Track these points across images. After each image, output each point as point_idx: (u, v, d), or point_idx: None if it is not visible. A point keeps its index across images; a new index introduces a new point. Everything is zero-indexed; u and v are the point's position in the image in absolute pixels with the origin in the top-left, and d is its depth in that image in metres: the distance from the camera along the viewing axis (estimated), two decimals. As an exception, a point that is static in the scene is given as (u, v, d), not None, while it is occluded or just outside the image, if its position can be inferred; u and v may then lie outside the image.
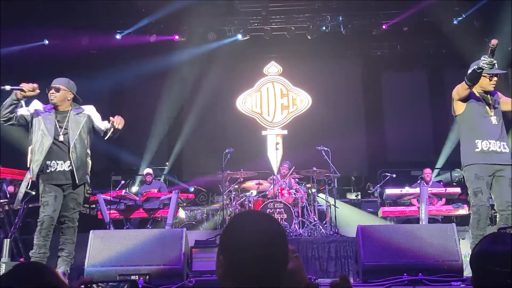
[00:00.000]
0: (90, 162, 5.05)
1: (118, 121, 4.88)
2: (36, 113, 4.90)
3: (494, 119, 4.86)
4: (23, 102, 4.85)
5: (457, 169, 10.06)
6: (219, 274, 1.47)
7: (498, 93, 5.06)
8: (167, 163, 10.87)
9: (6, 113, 4.78)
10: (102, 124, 5.10)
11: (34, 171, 4.77)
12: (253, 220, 1.48)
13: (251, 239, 1.42)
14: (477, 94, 4.92)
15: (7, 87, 4.67)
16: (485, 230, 4.71)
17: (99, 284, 2.18)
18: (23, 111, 4.87)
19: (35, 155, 4.80)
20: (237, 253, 1.42)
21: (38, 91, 4.82)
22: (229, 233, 1.48)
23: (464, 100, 4.91)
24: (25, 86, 4.71)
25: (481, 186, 4.75)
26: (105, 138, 5.07)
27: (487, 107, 4.88)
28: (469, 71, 4.66)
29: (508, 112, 5.02)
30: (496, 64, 4.68)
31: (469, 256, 1.98)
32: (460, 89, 4.84)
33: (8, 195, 7.82)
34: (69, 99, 5.01)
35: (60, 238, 4.88)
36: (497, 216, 4.82)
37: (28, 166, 4.88)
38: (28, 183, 4.90)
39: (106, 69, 11.07)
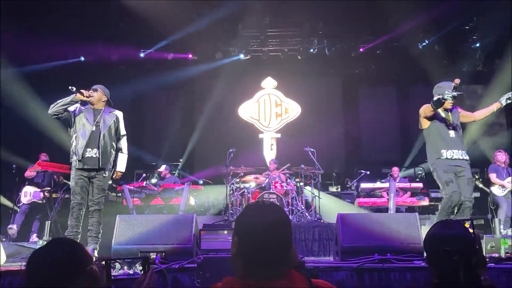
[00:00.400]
0: (113, 153, 5.03)
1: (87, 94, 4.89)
2: (78, 109, 5.00)
3: (453, 133, 4.86)
4: (78, 104, 4.96)
5: (420, 166, 10.07)
6: (232, 252, 1.46)
7: (458, 108, 5.06)
8: (180, 160, 10.83)
9: (61, 109, 4.88)
10: (122, 131, 5.15)
11: (79, 152, 4.81)
12: (262, 209, 1.48)
13: (260, 223, 1.40)
14: (440, 112, 4.91)
15: (74, 88, 4.78)
16: (449, 216, 4.72)
17: (117, 260, 2.17)
18: (70, 108, 4.95)
19: (79, 141, 4.85)
20: (248, 235, 1.41)
21: (91, 99, 4.93)
22: (243, 219, 1.47)
23: (429, 118, 4.93)
24: (84, 92, 4.86)
25: (451, 177, 4.77)
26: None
27: (448, 123, 4.89)
28: (435, 98, 4.65)
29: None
30: (453, 85, 4.72)
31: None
32: (427, 110, 4.85)
33: (52, 184, 7.85)
34: (103, 100, 5.10)
35: (89, 220, 4.89)
36: (456, 209, 4.82)
37: (73, 151, 4.92)
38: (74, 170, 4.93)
39: (131, 81, 11.07)
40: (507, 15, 8.58)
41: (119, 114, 5.18)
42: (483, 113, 5.01)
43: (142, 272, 1.78)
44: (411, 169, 10.35)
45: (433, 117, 4.90)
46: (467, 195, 4.74)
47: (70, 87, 4.79)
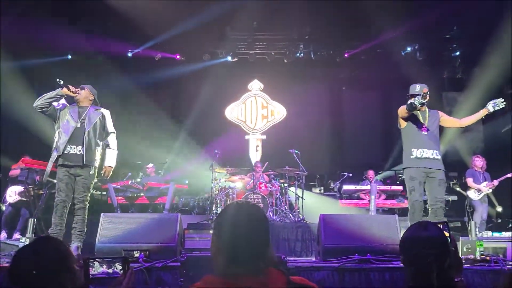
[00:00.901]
0: (99, 151, 4.95)
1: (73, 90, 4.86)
2: (63, 105, 4.94)
3: (426, 133, 4.93)
4: (63, 99, 4.90)
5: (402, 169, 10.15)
6: (212, 251, 1.47)
7: (440, 112, 5.13)
8: (167, 160, 10.75)
9: (46, 103, 4.80)
10: (109, 128, 5.09)
11: (61, 148, 4.73)
12: (241, 208, 1.49)
13: (238, 222, 1.42)
14: (418, 113, 5.00)
15: (61, 81, 4.74)
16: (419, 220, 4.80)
17: (96, 259, 2.12)
18: (55, 103, 4.88)
19: (62, 136, 4.78)
20: (226, 233, 1.42)
21: (77, 95, 4.88)
22: (222, 217, 1.48)
23: (406, 119, 5.02)
24: (71, 87, 4.81)
25: (414, 186, 4.85)
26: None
27: (421, 123, 4.96)
28: (408, 102, 4.74)
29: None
30: (417, 87, 4.88)
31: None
32: (402, 111, 4.93)
33: (36, 182, 7.73)
34: (90, 99, 5.04)
35: (73, 217, 4.83)
36: (429, 210, 4.91)
37: (54, 146, 4.84)
38: (51, 165, 4.84)
39: (118, 80, 10.96)
40: (486, 25, 8.75)
41: (106, 112, 5.12)
42: (470, 120, 5.03)
43: (122, 272, 1.77)
44: (392, 172, 10.45)
45: (409, 118, 4.99)
46: (438, 196, 4.81)
47: (57, 80, 4.73)
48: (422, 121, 4.98)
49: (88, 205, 4.88)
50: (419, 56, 10.55)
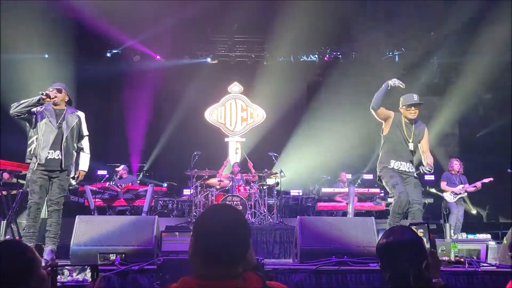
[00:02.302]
0: (75, 154, 4.89)
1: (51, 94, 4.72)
2: (41, 110, 4.79)
3: (409, 146, 4.93)
4: (44, 112, 4.79)
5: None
6: (189, 253, 1.46)
7: (426, 129, 5.09)
8: (145, 162, 10.63)
9: (24, 110, 4.66)
10: (84, 132, 5.01)
11: (42, 156, 4.63)
12: (220, 210, 1.48)
13: (215, 224, 1.41)
14: (403, 123, 4.96)
15: (44, 92, 4.59)
16: (399, 216, 4.80)
17: (65, 267, 2.09)
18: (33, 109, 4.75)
19: (42, 143, 4.67)
20: (203, 235, 1.41)
21: (55, 100, 4.77)
22: (200, 219, 1.47)
23: (389, 125, 5.00)
24: (51, 94, 4.68)
25: (397, 180, 4.85)
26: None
27: (406, 134, 4.94)
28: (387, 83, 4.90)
29: None
30: (415, 97, 4.85)
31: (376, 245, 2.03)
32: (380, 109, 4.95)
33: (1, 182, 7.47)
34: (66, 100, 4.94)
35: (48, 220, 4.72)
36: (408, 212, 4.92)
37: (32, 153, 4.72)
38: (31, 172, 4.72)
39: (96, 80, 10.82)
40: (463, 33, 8.96)
41: (81, 114, 5.02)
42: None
43: (91, 280, 1.72)
44: (370, 175, 10.56)
45: (394, 129, 4.97)
46: (415, 198, 4.81)
47: (40, 92, 4.59)
48: (406, 135, 4.95)
49: (62, 207, 4.78)
50: (397, 61, 10.71)
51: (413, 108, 4.91)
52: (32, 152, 4.73)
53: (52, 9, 8.86)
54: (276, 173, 8.57)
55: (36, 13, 8.75)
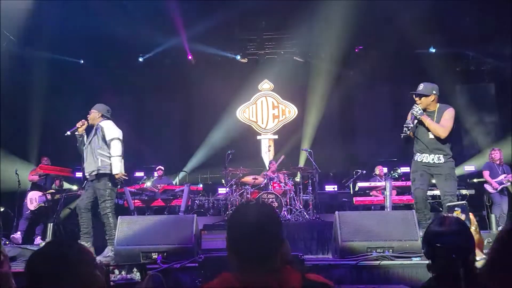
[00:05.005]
0: (103, 160, 5.11)
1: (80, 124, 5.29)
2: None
3: (431, 134, 4.78)
4: (85, 136, 5.33)
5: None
6: (227, 250, 1.47)
7: (448, 110, 4.78)
8: (184, 170, 10.70)
9: (77, 142, 5.33)
10: (108, 136, 5.24)
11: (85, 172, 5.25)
12: (249, 207, 1.50)
13: (246, 220, 1.42)
14: (423, 114, 4.79)
15: (68, 133, 5.23)
16: (422, 211, 4.71)
17: (115, 265, 2.18)
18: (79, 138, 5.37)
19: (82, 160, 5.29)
20: (236, 231, 1.43)
21: (86, 123, 5.30)
22: (232, 218, 1.49)
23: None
24: (78, 125, 5.25)
25: (415, 177, 4.86)
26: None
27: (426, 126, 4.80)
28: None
29: None
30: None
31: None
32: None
33: (53, 187, 7.83)
34: (98, 117, 5.32)
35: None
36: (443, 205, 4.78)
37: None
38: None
39: (130, 85, 11.07)
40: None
41: (103, 123, 5.26)
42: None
43: (140, 278, 1.76)
44: (408, 167, 10.32)
45: (415, 117, 4.84)
46: (447, 189, 4.68)
47: (65, 134, 5.21)
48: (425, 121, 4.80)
49: (108, 211, 5.03)
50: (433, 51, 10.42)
51: (416, 98, 4.79)
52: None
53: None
54: (310, 168, 8.51)
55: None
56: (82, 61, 10.75)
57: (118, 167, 5.09)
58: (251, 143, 11.40)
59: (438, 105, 4.80)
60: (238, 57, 11.13)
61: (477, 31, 9.91)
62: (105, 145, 5.13)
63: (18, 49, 9.18)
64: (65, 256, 1.51)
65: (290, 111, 11.62)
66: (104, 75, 10.60)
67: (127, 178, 5.30)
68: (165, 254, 4.25)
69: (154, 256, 4.24)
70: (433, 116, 4.79)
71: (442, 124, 4.71)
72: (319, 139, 10.59)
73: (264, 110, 11.72)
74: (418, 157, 4.85)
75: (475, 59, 10.97)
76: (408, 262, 4.06)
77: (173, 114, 11.73)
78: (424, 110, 4.76)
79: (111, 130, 5.20)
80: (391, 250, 4.21)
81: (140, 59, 11.01)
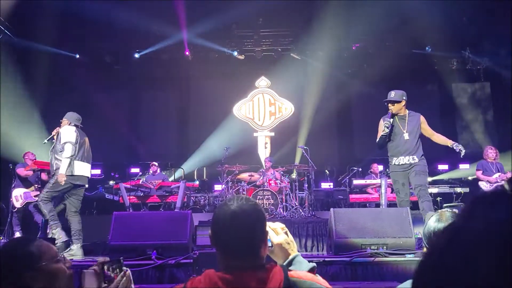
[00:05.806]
0: (55, 164, 5.53)
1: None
2: None
3: (406, 135, 5.19)
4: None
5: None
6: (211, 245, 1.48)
7: (421, 118, 5.31)
8: (182, 167, 10.69)
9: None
10: (61, 140, 5.58)
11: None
12: (231, 202, 1.46)
13: (227, 216, 1.40)
14: (396, 118, 5.28)
15: (45, 141, 5.77)
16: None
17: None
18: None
19: None
20: (215, 226, 1.42)
21: (58, 131, 5.68)
22: (215, 213, 1.48)
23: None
24: (53, 133, 5.70)
25: (398, 187, 5.21)
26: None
27: (402, 129, 5.23)
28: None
29: None
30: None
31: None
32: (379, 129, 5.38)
33: (40, 182, 7.74)
34: (69, 125, 5.68)
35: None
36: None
37: None
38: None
39: (126, 80, 11.03)
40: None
41: (63, 129, 5.63)
42: (440, 140, 5.35)
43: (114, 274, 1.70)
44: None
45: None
46: (416, 183, 5.05)
47: (43, 143, 5.76)
48: (401, 127, 5.23)
49: (40, 200, 5.45)
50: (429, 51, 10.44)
51: (389, 105, 5.26)
52: None
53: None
54: (306, 165, 8.51)
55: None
56: (77, 56, 10.70)
57: (64, 168, 5.40)
58: (247, 140, 11.40)
59: (407, 110, 5.30)
60: (235, 53, 11.11)
61: (473, 30, 9.94)
62: (60, 150, 5.51)
63: (14, 41, 9.15)
64: (25, 250, 1.56)
65: (287, 108, 11.63)
66: (99, 70, 10.56)
67: (62, 183, 5.41)
68: (160, 250, 4.25)
69: (149, 252, 4.24)
70: (405, 119, 5.25)
71: (432, 131, 5.31)
72: (315, 137, 10.60)
73: (261, 107, 11.72)
74: (395, 160, 5.21)
75: (471, 58, 11.01)
76: (402, 259, 4.08)
77: (169, 110, 11.72)
78: (396, 114, 5.25)
79: (66, 134, 5.54)
80: (385, 247, 4.23)
81: (136, 55, 10.97)
